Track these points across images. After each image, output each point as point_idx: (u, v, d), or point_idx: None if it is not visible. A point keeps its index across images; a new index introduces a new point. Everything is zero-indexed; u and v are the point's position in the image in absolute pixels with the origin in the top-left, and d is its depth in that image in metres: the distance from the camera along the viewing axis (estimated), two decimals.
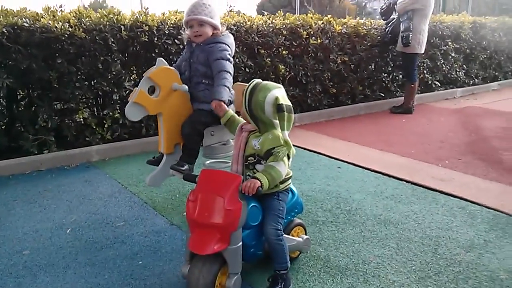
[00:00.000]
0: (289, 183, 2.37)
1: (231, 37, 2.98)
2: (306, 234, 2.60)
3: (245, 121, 2.42)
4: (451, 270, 2.47)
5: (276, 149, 2.18)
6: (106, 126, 4.49)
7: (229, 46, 2.88)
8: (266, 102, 2.18)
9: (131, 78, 4.58)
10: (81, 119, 4.42)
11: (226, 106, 2.68)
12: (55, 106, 4.26)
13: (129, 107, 2.61)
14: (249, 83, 2.27)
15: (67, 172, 4.09)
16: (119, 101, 4.53)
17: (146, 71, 2.73)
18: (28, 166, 4.06)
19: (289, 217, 2.47)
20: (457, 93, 8.12)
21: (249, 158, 2.29)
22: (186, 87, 2.74)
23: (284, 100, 2.21)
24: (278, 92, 2.22)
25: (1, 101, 4.23)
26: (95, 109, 4.60)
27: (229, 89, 2.78)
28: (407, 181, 3.81)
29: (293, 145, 2.23)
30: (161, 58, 2.76)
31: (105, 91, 4.39)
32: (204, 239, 2.08)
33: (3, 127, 4.18)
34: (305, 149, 4.72)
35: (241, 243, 2.12)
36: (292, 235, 2.50)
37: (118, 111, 4.56)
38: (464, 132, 5.55)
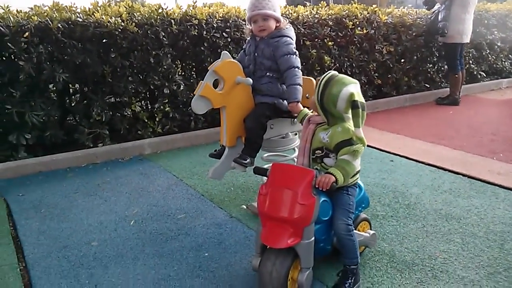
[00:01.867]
0: (357, 177, 2.35)
1: (292, 29, 2.98)
2: (371, 229, 2.59)
3: (312, 114, 2.41)
4: None
5: (352, 143, 2.16)
6: (157, 119, 4.56)
7: (292, 39, 2.88)
8: (340, 97, 2.15)
9: (181, 72, 4.63)
10: (133, 113, 4.49)
11: (301, 105, 2.71)
12: (108, 100, 4.33)
13: (195, 101, 2.64)
14: (325, 74, 2.26)
15: (121, 164, 4.18)
16: (169, 95, 4.58)
17: (211, 65, 2.74)
18: (84, 159, 4.17)
19: (356, 212, 2.45)
20: (503, 84, 7.89)
21: (316, 151, 2.28)
22: (250, 80, 2.75)
23: (359, 97, 2.17)
24: (354, 88, 2.18)
25: (54, 95, 4.34)
26: (147, 103, 4.67)
27: (299, 84, 2.78)
28: (463, 175, 3.74)
29: None
30: (225, 52, 2.77)
31: (156, 85, 4.45)
32: (277, 233, 2.09)
33: (57, 120, 4.29)
34: None
35: (313, 238, 2.13)
36: (358, 230, 2.49)
37: (168, 104, 4.61)
38: None
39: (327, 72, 2.26)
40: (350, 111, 2.19)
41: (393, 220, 2.98)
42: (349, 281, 2.20)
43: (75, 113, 4.34)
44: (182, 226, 2.95)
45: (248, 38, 3.03)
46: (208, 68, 2.73)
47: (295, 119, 2.97)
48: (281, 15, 2.95)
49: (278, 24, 2.87)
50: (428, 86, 6.97)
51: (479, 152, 4.34)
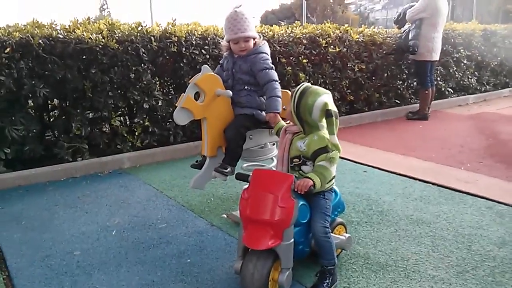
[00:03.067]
0: (333, 183, 2.48)
1: (267, 45, 3.13)
2: (346, 233, 2.71)
3: (288, 124, 2.55)
4: (487, 265, 2.57)
5: (328, 150, 2.32)
6: (136, 134, 4.63)
7: (268, 54, 3.03)
8: (315, 106, 2.30)
9: (160, 87, 4.73)
10: (112, 127, 4.55)
11: (279, 116, 2.85)
12: (88, 115, 4.39)
13: (178, 112, 2.74)
14: (299, 86, 2.41)
15: (101, 178, 4.22)
16: (149, 110, 4.66)
17: (192, 78, 2.86)
18: (64, 173, 4.20)
19: (332, 216, 2.56)
20: (469, 100, 8.23)
21: (294, 160, 2.42)
22: (230, 92, 2.87)
23: (332, 106, 2.33)
24: (327, 98, 2.35)
25: (33, 110, 4.36)
26: (126, 118, 4.74)
27: (278, 96, 2.92)
28: (433, 184, 3.92)
29: None
30: (206, 66, 2.89)
31: (136, 100, 4.53)
32: (258, 235, 2.19)
33: (36, 135, 4.31)
34: None
35: (293, 239, 2.24)
36: (335, 233, 2.61)
37: (148, 119, 4.69)
38: (482, 136, 5.66)
39: (301, 84, 2.42)
40: (324, 120, 2.34)
41: (367, 225, 3.12)
42: (327, 281, 2.31)
43: (55, 127, 4.37)
44: (163, 235, 3.01)
45: (225, 54, 3.16)
46: (189, 81, 2.85)
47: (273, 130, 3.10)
48: (257, 33, 3.11)
49: (254, 41, 3.02)
50: (399, 102, 7.23)
51: (447, 162, 4.55)
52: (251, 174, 2.37)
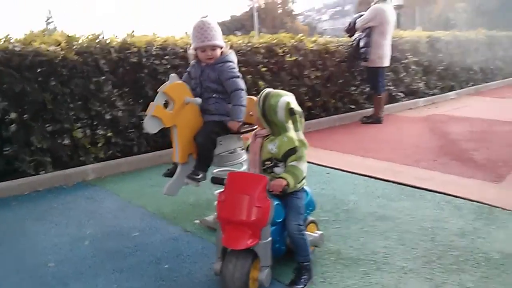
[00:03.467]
0: (304, 183, 2.59)
1: (234, 53, 3.21)
2: (318, 230, 2.82)
3: (257, 130, 2.64)
4: (451, 254, 2.75)
5: (297, 150, 2.44)
6: (99, 145, 4.58)
7: (234, 63, 3.11)
8: (279, 106, 2.44)
9: (122, 98, 4.71)
10: (74, 139, 4.48)
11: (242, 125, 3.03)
12: (49, 127, 4.30)
13: (148, 121, 2.77)
14: (262, 91, 2.54)
15: (66, 191, 4.15)
16: (111, 120, 4.63)
17: (160, 87, 2.89)
18: (27, 187, 4.10)
19: (304, 215, 2.65)
20: (419, 103, 8.63)
21: (266, 162, 2.52)
22: (199, 99, 2.93)
23: (295, 105, 2.50)
24: (289, 98, 2.51)
25: None
26: (88, 129, 4.67)
27: (243, 105, 3.04)
28: (393, 182, 4.11)
29: None
30: (173, 74, 2.94)
31: (97, 111, 4.49)
32: (237, 236, 2.27)
33: None
34: None
35: (270, 238, 2.32)
36: (307, 231, 2.67)
37: (110, 130, 4.65)
38: (434, 137, 5.98)
39: (264, 90, 2.56)
40: (290, 120, 2.48)
41: (335, 223, 3.25)
42: (304, 277, 2.41)
43: (14, 141, 4.25)
44: (138, 243, 3.02)
45: (193, 62, 3.21)
46: (158, 90, 2.89)
47: (241, 135, 3.19)
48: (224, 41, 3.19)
49: (221, 50, 3.09)
50: (353, 107, 7.48)
51: (404, 162, 4.78)
52: (226, 177, 2.44)
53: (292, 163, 2.43)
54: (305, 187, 2.68)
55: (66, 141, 4.42)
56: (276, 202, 2.37)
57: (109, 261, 2.77)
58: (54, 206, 3.75)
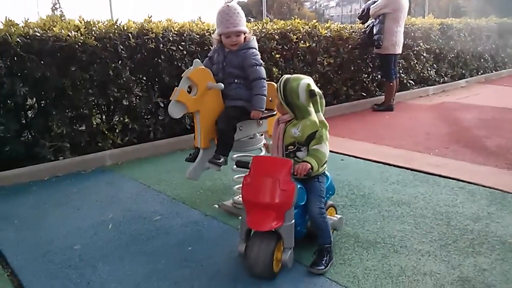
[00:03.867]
0: (325, 167, 2.65)
1: (255, 38, 3.25)
2: (337, 214, 2.89)
3: (279, 116, 2.69)
4: (466, 238, 2.81)
5: (318, 133, 2.48)
6: (116, 131, 4.65)
7: (257, 49, 3.16)
8: (300, 88, 2.49)
9: (139, 84, 4.77)
10: (93, 125, 4.56)
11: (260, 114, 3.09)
12: (68, 113, 4.38)
13: (172, 106, 2.83)
14: (281, 78, 2.57)
15: (85, 176, 4.24)
16: (128, 107, 4.70)
17: (184, 72, 2.95)
18: (47, 173, 4.18)
19: (325, 199, 2.72)
20: (429, 91, 8.64)
21: (289, 147, 2.56)
22: (222, 85, 2.98)
23: (314, 87, 2.54)
24: (308, 80, 2.55)
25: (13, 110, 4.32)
26: (106, 115, 4.75)
27: (263, 95, 3.10)
28: (407, 168, 4.17)
29: None
30: (197, 60, 2.99)
31: (115, 97, 4.56)
32: (262, 218, 2.33)
33: (17, 135, 4.26)
34: None
35: (293, 220, 2.39)
36: (327, 215, 2.75)
37: (127, 116, 4.72)
38: (445, 124, 6.01)
39: (283, 76, 2.58)
40: (310, 102, 2.52)
41: (352, 208, 3.31)
42: (325, 258, 2.48)
43: (34, 127, 4.34)
44: (160, 226, 3.10)
45: (216, 47, 3.26)
46: (182, 75, 2.94)
47: (261, 121, 3.25)
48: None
49: (245, 36, 3.14)
50: (364, 94, 7.51)
51: (417, 149, 4.82)
52: (250, 161, 2.50)
53: (315, 146, 2.47)
54: (326, 172, 2.73)
55: (85, 127, 4.50)
56: (299, 186, 2.42)
57: (133, 244, 2.85)
58: (74, 191, 3.83)
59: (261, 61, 3.15)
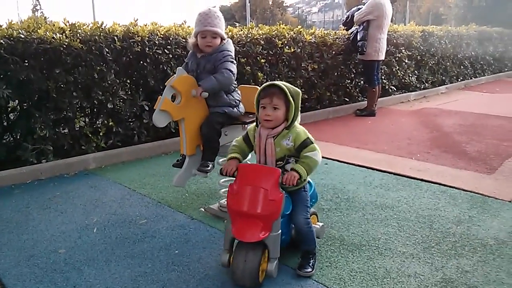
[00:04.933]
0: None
1: (231, 41, 3.25)
2: (319, 222, 2.86)
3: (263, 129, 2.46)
4: (449, 240, 2.87)
5: (311, 141, 2.43)
6: (100, 134, 4.62)
7: (230, 51, 3.15)
8: (298, 91, 2.47)
9: (124, 87, 4.75)
10: (76, 128, 4.52)
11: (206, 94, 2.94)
12: (51, 116, 4.33)
13: (156, 115, 2.82)
14: (270, 83, 2.44)
15: (68, 179, 4.19)
16: (113, 110, 4.68)
17: (168, 80, 2.94)
18: (29, 176, 4.13)
19: (310, 208, 2.64)
20: (411, 97, 8.78)
21: (278, 162, 2.46)
22: (206, 93, 2.96)
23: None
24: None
25: None
26: (90, 118, 4.71)
27: (222, 84, 3.01)
28: (389, 173, 4.23)
29: None
30: (180, 68, 2.98)
31: (100, 100, 4.53)
32: (249, 228, 2.28)
33: None
34: None
35: (280, 230, 2.36)
36: None
37: (112, 119, 4.69)
38: (426, 129, 6.12)
39: (269, 83, 2.45)
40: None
41: (337, 211, 3.35)
42: (311, 261, 2.51)
43: (16, 129, 4.28)
44: (146, 230, 3.09)
45: (190, 53, 3.25)
46: (165, 83, 2.94)
47: (247, 125, 3.26)
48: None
49: (221, 43, 3.12)
50: (348, 100, 7.60)
51: (399, 154, 4.90)
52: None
53: (307, 153, 2.40)
54: (309, 180, 2.72)
55: (68, 130, 4.46)
56: (285, 195, 2.38)
57: (119, 248, 2.84)
58: (57, 194, 3.79)
59: (232, 59, 3.09)
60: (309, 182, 2.69)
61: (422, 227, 3.07)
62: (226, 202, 2.62)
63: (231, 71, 3.07)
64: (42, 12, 44.73)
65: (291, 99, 2.38)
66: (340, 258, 2.67)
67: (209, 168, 2.99)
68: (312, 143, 2.43)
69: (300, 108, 2.49)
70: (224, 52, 3.11)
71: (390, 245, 2.82)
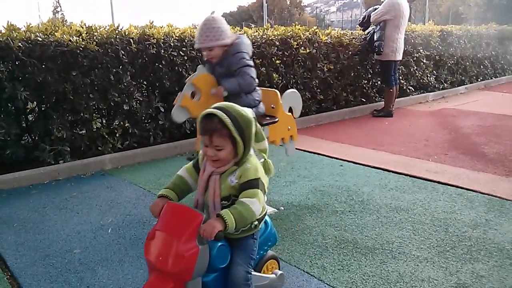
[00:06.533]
0: (264, 217, 2.11)
1: (244, 38, 3.25)
2: (279, 268, 2.33)
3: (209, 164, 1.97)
4: (464, 244, 2.82)
5: (257, 183, 1.88)
6: (117, 135, 4.67)
7: (244, 52, 3.15)
8: (251, 118, 1.94)
9: (140, 89, 4.80)
10: (93, 129, 4.58)
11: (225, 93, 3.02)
12: (68, 117, 4.40)
13: (176, 110, 2.86)
14: (211, 110, 1.89)
15: (85, 180, 4.25)
16: (129, 111, 4.72)
17: (188, 77, 2.98)
18: (47, 176, 4.20)
19: (262, 252, 2.19)
20: (429, 97, 8.67)
21: (222, 202, 1.93)
22: (226, 92, 2.99)
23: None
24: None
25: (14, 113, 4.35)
26: (107, 119, 4.77)
27: (242, 87, 3.08)
28: (405, 175, 4.18)
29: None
30: (200, 65, 3.03)
31: (116, 101, 4.58)
32: (158, 286, 1.82)
33: (17, 138, 4.28)
34: (305, 151, 5.05)
35: None
36: (264, 271, 2.23)
37: (128, 120, 4.74)
38: (444, 131, 6.03)
39: (214, 106, 1.91)
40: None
41: (351, 214, 3.33)
42: None
43: (34, 131, 4.36)
44: None
45: (205, 59, 3.29)
46: (186, 80, 2.97)
47: (262, 127, 3.26)
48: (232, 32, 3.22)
49: (226, 48, 3.11)
50: (364, 100, 7.54)
51: (415, 155, 4.84)
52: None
53: (244, 199, 1.83)
54: (266, 218, 2.18)
55: (85, 131, 4.52)
56: (220, 244, 1.87)
57: (133, 248, 2.87)
58: (74, 194, 3.85)
59: (250, 62, 3.13)
60: (265, 221, 2.17)
61: (437, 231, 3.02)
62: None
63: (252, 77, 3.12)
64: (62, 14, 45.45)
65: (236, 135, 1.84)
66: (353, 262, 2.64)
67: None
68: (257, 187, 1.87)
69: (253, 138, 1.94)
70: (237, 55, 3.12)
71: (404, 249, 2.78)
